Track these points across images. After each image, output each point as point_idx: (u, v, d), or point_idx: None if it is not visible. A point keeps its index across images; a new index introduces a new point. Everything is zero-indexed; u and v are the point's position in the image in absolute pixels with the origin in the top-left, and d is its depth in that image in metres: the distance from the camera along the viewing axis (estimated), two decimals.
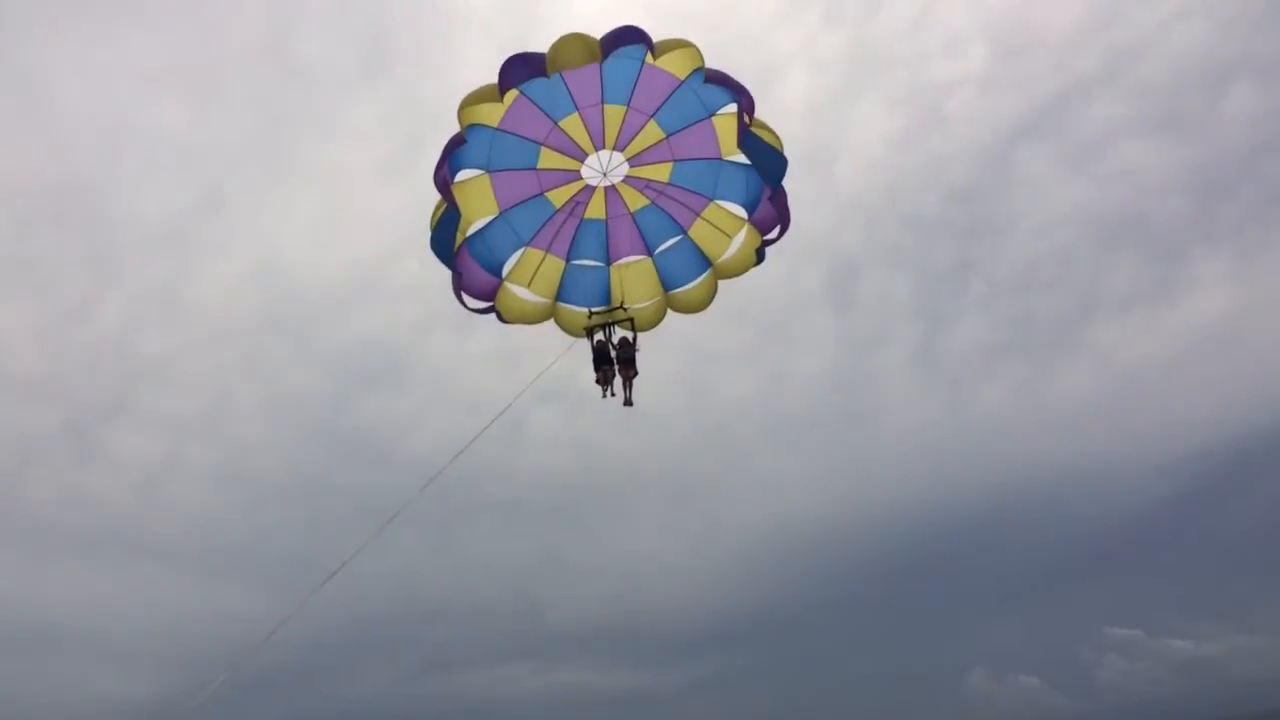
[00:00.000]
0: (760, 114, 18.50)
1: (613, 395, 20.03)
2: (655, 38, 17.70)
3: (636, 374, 19.97)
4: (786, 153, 18.66)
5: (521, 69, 17.60)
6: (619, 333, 20.02)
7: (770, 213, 19.05)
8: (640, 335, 20.21)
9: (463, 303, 19.05)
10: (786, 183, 19.24)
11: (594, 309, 19.90)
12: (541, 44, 17.55)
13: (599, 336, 19.95)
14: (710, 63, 17.88)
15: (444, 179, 18.06)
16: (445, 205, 18.24)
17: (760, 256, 19.60)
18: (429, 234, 18.34)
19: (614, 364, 19.83)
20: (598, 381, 19.89)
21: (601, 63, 17.61)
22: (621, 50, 17.58)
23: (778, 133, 18.67)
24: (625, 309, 19.78)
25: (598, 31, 17.62)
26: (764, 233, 19.37)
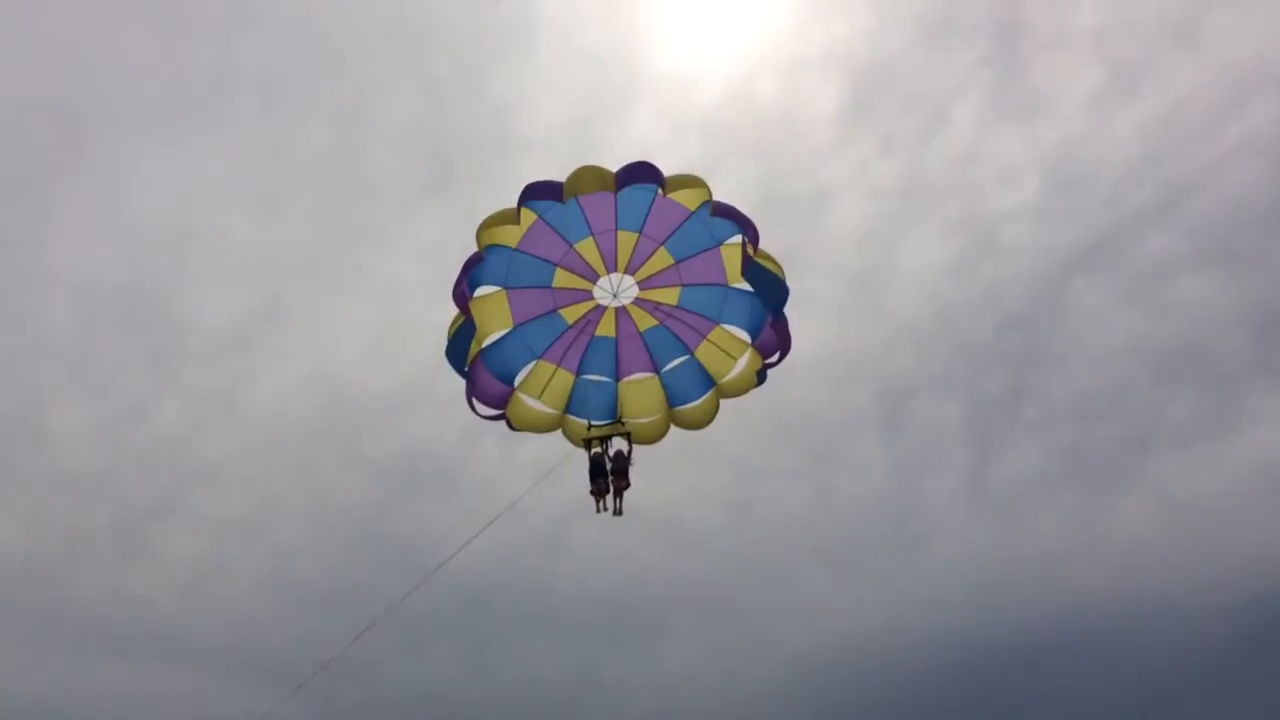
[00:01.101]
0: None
1: (605, 509, 20.78)
2: (667, 173, 19.07)
3: (629, 485, 20.66)
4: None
5: (540, 194, 19.02)
6: (615, 445, 20.77)
7: (773, 338, 19.93)
8: (645, 448, 20.98)
9: (474, 410, 20.06)
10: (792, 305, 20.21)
11: (593, 423, 20.69)
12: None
13: (596, 449, 20.71)
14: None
15: (462, 294, 19.32)
16: (462, 319, 19.47)
17: (761, 378, 20.35)
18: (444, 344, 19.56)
19: (608, 476, 20.51)
20: (592, 493, 20.60)
21: (616, 193, 18.94)
22: (635, 184, 18.93)
23: (780, 263, 19.72)
24: (624, 423, 20.58)
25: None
26: (765, 356, 20.19)
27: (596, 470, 20.50)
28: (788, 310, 20.02)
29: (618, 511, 20.62)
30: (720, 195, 19.32)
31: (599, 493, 20.53)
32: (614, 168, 18.88)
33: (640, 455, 20.90)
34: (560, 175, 18.95)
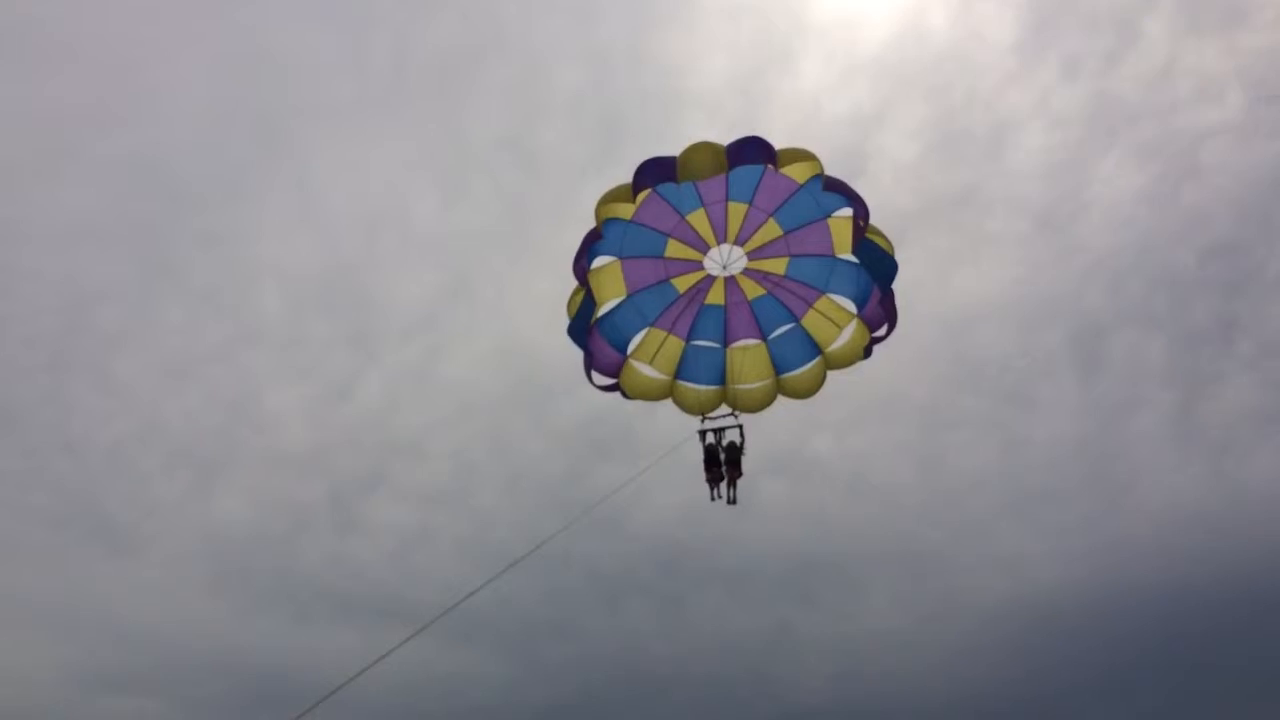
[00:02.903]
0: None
1: (719, 497, 21.87)
2: (779, 146, 19.41)
3: (741, 475, 21.73)
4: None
5: (655, 172, 19.59)
6: (728, 437, 21.77)
7: (879, 313, 20.35)
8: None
9: (592, 381, 21.16)
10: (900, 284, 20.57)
11: (706, 414, 21.66)
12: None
13: (710, 440, 21.74)
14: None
15: (582, 269, 20.23)
16: (583, 294, 20.40)
17: (868, 352, 20.88)
18: (567, 320, 20.62)
19: (723, 466, 21.56)
20: (707, 481, 21.69)
21: (729, 171, 19.39)
22: (747, 160, 19.33)
23: (890, 239, 19.99)
24: (735, 415, 21.48)
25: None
26: (873, 329, 20.66)
27: (711, 460, 21.61)
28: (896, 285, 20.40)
29: (732, 500, 21.77)
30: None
31: (714, 480, 21.63)
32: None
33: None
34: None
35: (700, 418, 21.66)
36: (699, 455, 21.74)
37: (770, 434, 20.98)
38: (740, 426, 21.62)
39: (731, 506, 21.80)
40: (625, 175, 19.69)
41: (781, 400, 21.75)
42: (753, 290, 21.30)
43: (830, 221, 20.32)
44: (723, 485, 21.78)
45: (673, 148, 19.46)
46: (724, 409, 21.72)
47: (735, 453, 21.70)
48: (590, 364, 20.98)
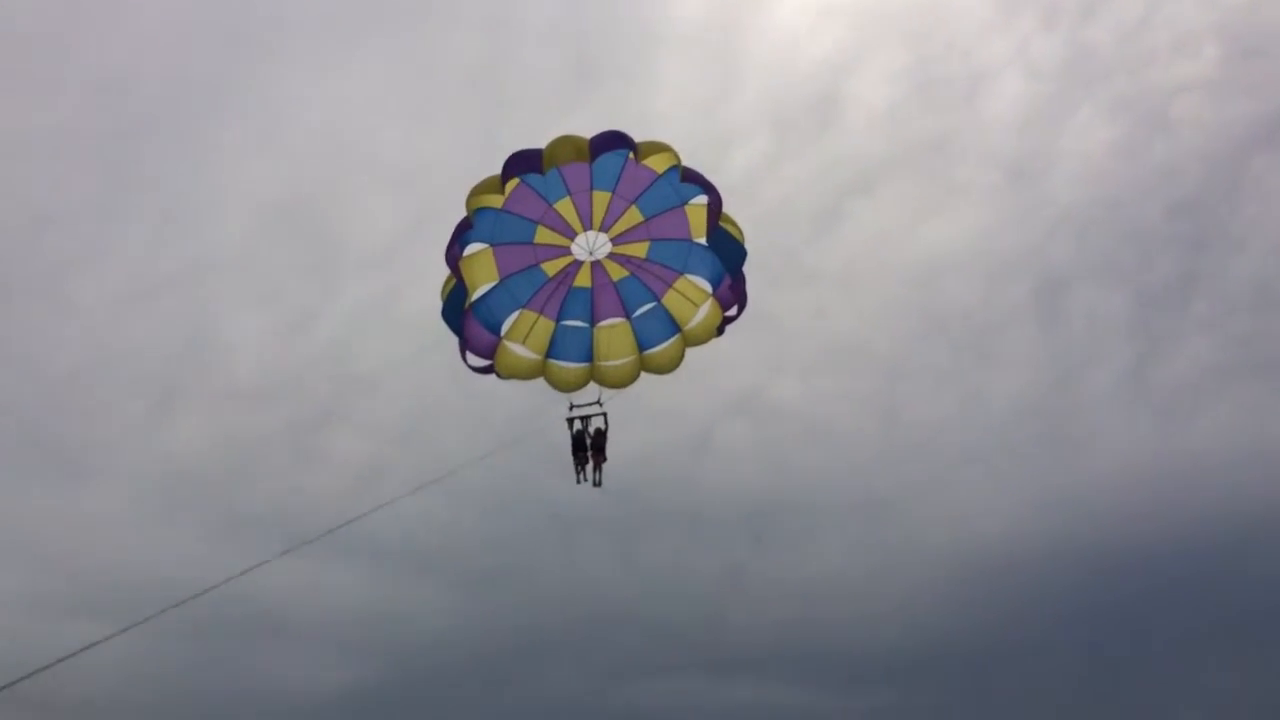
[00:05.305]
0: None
1: (585, 479, 23.73)
2: (638, 139, 20.85)
3: (606, 460, 23.63)
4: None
5: (522, 164, 20.76)
6: (594, 424, 23.52)
7: (730, 295, 22.25)
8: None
9: (466, 362, 22.30)
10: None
11: (574, 404, 23.36)
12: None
13: (577, 427, 23.52)
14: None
15: (454, 257, 21.28)
16: (454, 282, 21.46)
17: (720, 330, 22.77)
18: (439, 305, 21.66)
19: (588, 451, 23.32)
20: (575, 465, 23.55)
21: (591, 162, 20.73)
22: (608, 151, 20.71)
23: (741, 226, 21.83)
24: (600, 404, 23.24)
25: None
26: (725, 309, 22.54)
27: (578, 445, 23.31)
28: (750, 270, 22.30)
29: (597, 483, 23.65)
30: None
31: (580, 464, 23.36)
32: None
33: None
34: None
35: (569, 405, 23.18)
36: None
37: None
38: (604, 415, 23.28)
39: (597, 489, 23.60)
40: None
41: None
42: (617, 272, 22.79)
43: (687, 209, 21.96)
44: (588, 469, 23.50)
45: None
46: (590, 397, 23.33)
47: (600, 439, 23.46)
48: (465, 346, 22.11)
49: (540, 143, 20.49)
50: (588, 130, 20.52)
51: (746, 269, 22.25)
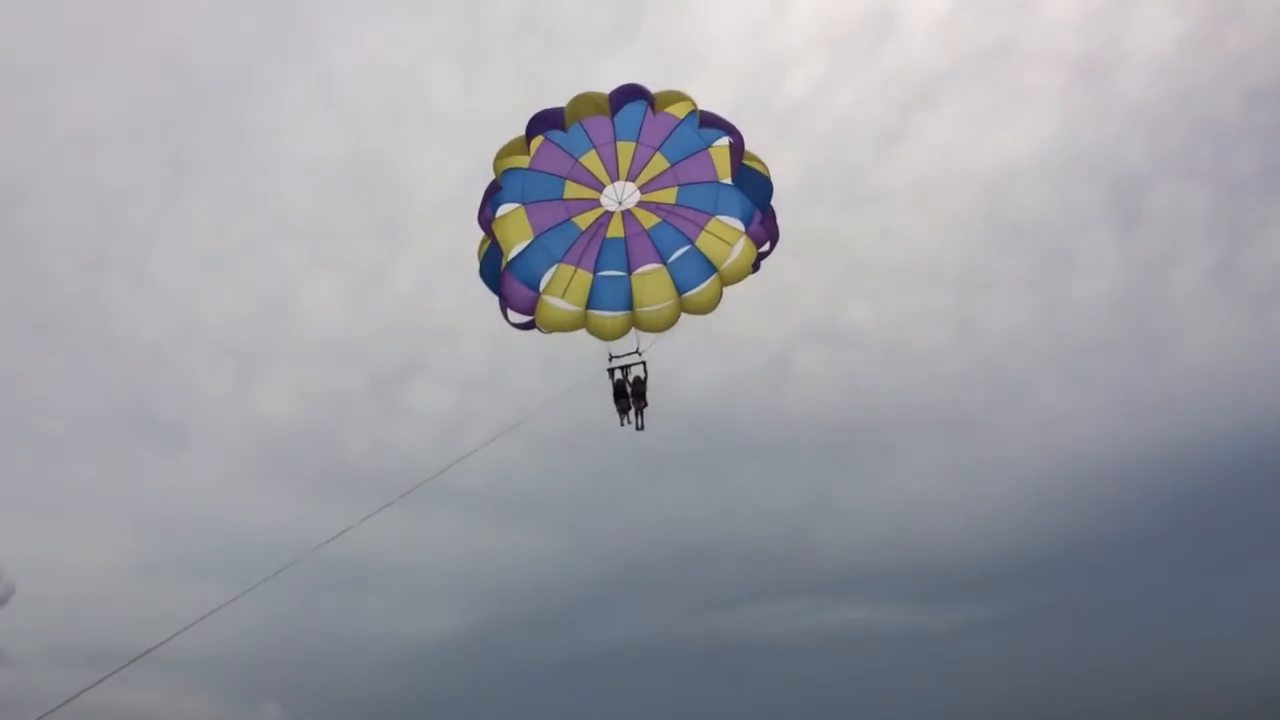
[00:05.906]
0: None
1: (628, 423, 24.46)
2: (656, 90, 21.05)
3: (646, 405, 24.38)
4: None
5: (544, 123, 21.17)
6: (634, 372, 24.18)
7: (762, 231, 22.44)
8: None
9: (509, 320, 23.06)
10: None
11: (613, 354, 23.97)
12: None
13: (618, 376, 24.21)
14: None
15: (486, 219, 21.91)
16: (489, 243, 22.13)
17: (756, 267, 23.03)
18: (476, 266, 22.39)
19: (629, 398, 24.06)
20: (618, 410, 24.30)
21: (612, 116, 21.03)
22: (629, 103, 20.96)
23: (765, 161, 21.93)
24: (640, 354, 23.85)
25: None
26: (759, 246, 22.77)
27: (619, 393, 23.97)
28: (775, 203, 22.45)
29: (640, 427, 24.31)
30: None
31: (623, 410, 24.03)
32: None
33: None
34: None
35: (609, 356, 23.83)
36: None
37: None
38: (644, 363, 23.90)
39: (640, 432, 24.34)
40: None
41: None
42: (648, 220, 23.17)
43: (711, 151, 22.13)
44: (631, 414, 24.24)
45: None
46: (629, 346, 23.92)
47: (640, 386, 24.19)
48: (505, 305, 22.86)
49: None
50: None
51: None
